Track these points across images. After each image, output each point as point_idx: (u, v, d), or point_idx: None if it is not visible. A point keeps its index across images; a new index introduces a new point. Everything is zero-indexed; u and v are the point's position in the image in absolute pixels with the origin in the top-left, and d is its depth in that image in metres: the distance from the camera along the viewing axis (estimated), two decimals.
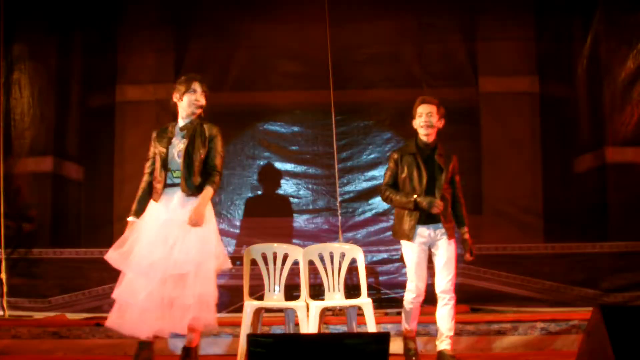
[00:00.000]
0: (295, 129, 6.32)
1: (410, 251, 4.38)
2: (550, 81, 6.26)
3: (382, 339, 3.03)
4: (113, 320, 4.03)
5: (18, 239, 6.08)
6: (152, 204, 4.15)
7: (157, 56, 6.37)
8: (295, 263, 4.81)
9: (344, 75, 6.20)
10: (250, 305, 4.53)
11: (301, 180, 6.24)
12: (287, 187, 6.25)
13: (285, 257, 4.80)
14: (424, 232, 4.36)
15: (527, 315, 5.32)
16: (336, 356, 2.99)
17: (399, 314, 5.67)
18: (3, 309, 5.88)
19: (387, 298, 5.93)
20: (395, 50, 6.33)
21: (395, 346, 4.74)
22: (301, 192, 6.23)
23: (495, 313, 5.64)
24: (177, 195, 4.09)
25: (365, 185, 6.22)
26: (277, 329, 5.00)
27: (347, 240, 5.96)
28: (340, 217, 6.10)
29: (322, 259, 4.82)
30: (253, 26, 6.32)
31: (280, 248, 4.90)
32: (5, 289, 5.90)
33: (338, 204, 6.11)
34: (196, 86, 4.25)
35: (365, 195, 6.21)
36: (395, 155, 4.47)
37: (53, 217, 6.15)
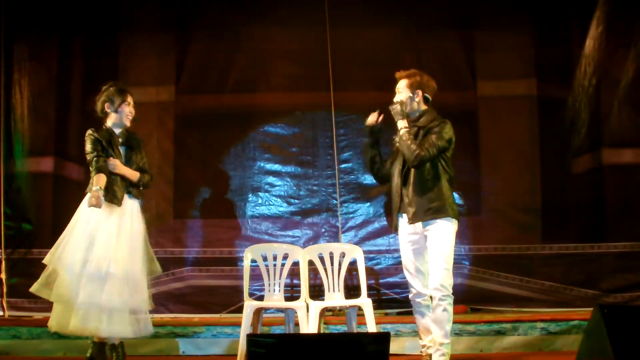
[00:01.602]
0: (296, 130, 6.33)
1: (400, 243, 4.17)
2: (548, 83, 6.28)
3: (382, 339, 3.04)
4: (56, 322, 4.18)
5: (18, 239, 6.09)
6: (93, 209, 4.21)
7: (158, 59, 6.38)
8: (295, 263, 4.82)
9: (344, 77, 6.23)
10: (250, 305, 4.53)
11: (301, 181, 6.25)
12: (287, 188, 6.26)
13: (285, 257, 4.81)
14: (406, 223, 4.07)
15: (527, 315, 5.34)
16: (336, 356, 3.01)
17: (399, 314, 5.71)
18: (3, 309, 5.88)
19: (387, 299, 5.94)
20: (394, 54, 6.34)
21: (395, 346, 4.75)
22: (301, 193, 6.24)
23: (495, 313, 5.66)
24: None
25: (365, 186, 6.23)
26: (277, 329, 5.01)
27: (347, 241, 5.98)
28: (340, 218, 6.12)
29: (322, 259, 4.83)
30: (254, 29, 6.34)
31: (280, 248, 4.91)
32: (5, 289, 5.91)
33: (338, 205, 6.13)
34: (129, 98, 4.40)
35: (366, 196, 6.22)
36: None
37: (53, 218, 6.14)
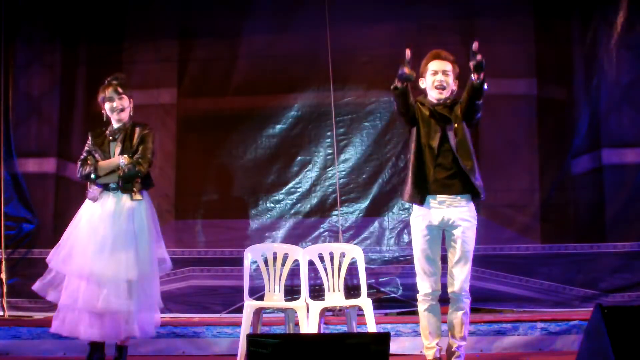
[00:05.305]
0: (296, 131, 6.33)
1: (421, 227, 3.71)
2: (548, 83, 6.27)
3: (382, 339, 3.03)
4: (58, 325, 4.17)
5: (18, 239, 6.10)
6: (89, 205, 4.23)
7: (161, 65, 6.43)
8: (296, 263, 4.82)
9: (344, 76, 6.24)
10: (250, 305, 4.53)
11: (302, 181, 6.26)
12: (288, 188, 6.26)
13: (285, 257, 4.81)
14: (441, 200, 3.65)
15: (527, 315, 5.34)
16: (336, 356, 3.00)
17: (399, 314, 5.70)
18: (3, 309, 5.89)
19: (387, 298, 5.93)
20: (395, 52, 6.32)
21: (395, 346, 4.75)
22: (301, 193, 6.25)
23: (495, 313, 5.66)
24: (113, 199, 4.21)
25: (365, 186, 6.23)
26: (277, 329, 5.01)
27: (347, 241, 5.98)
28: (340, 218, 6.12)
29: (322, 259, 4.83)
30: (254, 30, 6.37)
31: (280, 248, 4.90)
32: (5, 289, 5.92)
33: (338, 205, 6.13)
34: (111, 93, 4.25)
35: (366, 195, 6.22)
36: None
37: (55, 218, 6.16)
